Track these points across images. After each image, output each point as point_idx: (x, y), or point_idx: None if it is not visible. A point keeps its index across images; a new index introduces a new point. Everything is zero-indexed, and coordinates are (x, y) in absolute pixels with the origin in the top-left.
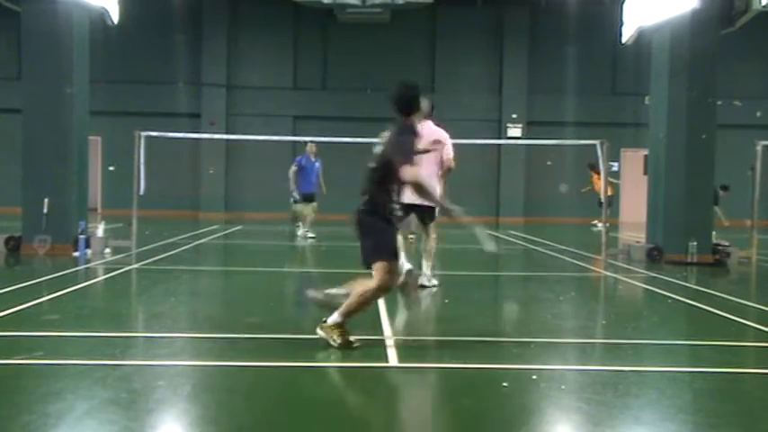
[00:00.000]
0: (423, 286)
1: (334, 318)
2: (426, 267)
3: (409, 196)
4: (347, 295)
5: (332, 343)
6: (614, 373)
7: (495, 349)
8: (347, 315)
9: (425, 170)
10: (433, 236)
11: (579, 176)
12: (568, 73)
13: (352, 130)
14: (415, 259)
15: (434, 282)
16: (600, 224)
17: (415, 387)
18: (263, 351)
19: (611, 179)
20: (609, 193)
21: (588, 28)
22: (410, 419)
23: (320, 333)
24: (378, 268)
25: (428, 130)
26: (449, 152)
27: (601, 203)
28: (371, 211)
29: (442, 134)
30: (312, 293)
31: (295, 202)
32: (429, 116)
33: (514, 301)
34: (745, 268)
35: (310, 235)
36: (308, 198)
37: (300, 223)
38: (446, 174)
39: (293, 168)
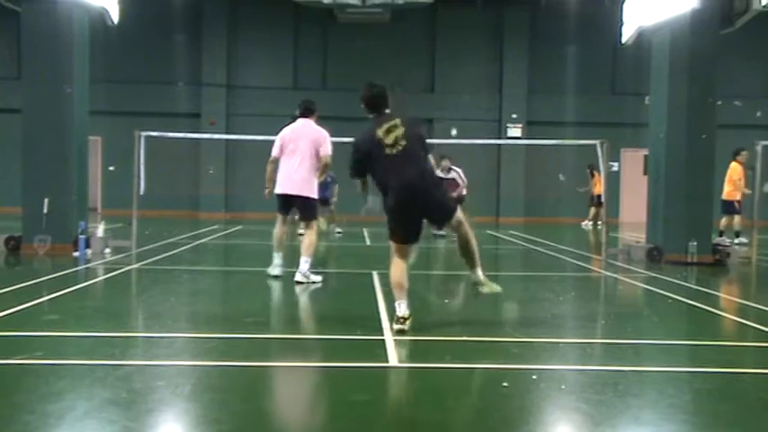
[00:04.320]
0: (298, 282)
1: (479, 272)
2: (303, 263)
3: (282, 186)
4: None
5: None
6: (614, 373)
7: (495, 349)
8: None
9: (304, 163)
10: (310, 231)
11: (580, 176)
12: (568, 73)
13: (352, 130)
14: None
15: (314, 278)
16: (589, 223)
17: (415, 387)
18: (263, 351)
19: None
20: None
21: (588, 28)
22: (410, 419)
23: (485, 290)
24: (459, 216)
25: (307, 129)
26: (327, 150)
27: (592, 203)
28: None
29: (320, 132)
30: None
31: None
32: (306, 115)
33: (514, 301)
34: (745, 268)
35: (338, 230)
36: (321, 201)
37: (332, 224)
38: (323, 169)
39: None
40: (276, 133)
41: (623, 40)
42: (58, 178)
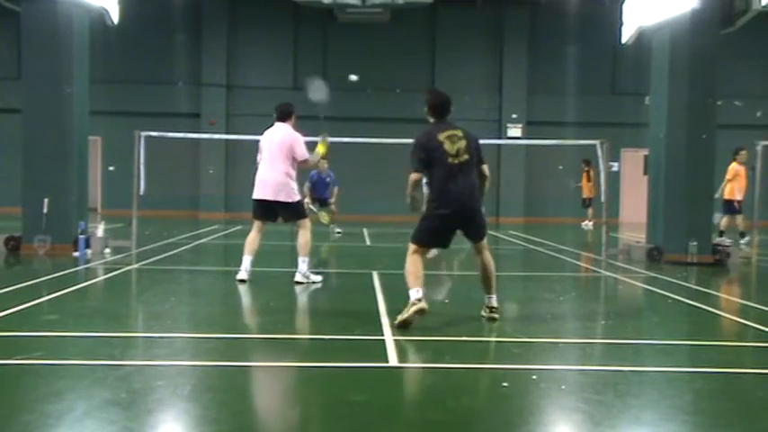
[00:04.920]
0: (297, 283)
1: (494, 299)
2: (301, 263)
3: (257, 191)
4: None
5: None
6: (614, 373)
7: (495, 349)
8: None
9: (279, 168)
10: (303, 230)
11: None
12: (568, 73)
13: (352, 130)
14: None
15: (314, 278)
16: (589, 223)
17: (415, 387)
18: (262, 351)
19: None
20: (592, 194)
21: (588, 28)
22: (410, 419)
23: (496, 316)
24: (486, 242)
25: (280, 134)
26: (302, 153)
27: (585, 204)
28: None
29: (291, 136)
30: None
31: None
32: (283, 119)
33: (514, 301)
34: (745, 268)
35: (337, 230)
36: (321, 202)
37: (332, 225)
38: (313, 166)
39: (306, 185)
40: None
41: (623, 40)
42: (58, 178)
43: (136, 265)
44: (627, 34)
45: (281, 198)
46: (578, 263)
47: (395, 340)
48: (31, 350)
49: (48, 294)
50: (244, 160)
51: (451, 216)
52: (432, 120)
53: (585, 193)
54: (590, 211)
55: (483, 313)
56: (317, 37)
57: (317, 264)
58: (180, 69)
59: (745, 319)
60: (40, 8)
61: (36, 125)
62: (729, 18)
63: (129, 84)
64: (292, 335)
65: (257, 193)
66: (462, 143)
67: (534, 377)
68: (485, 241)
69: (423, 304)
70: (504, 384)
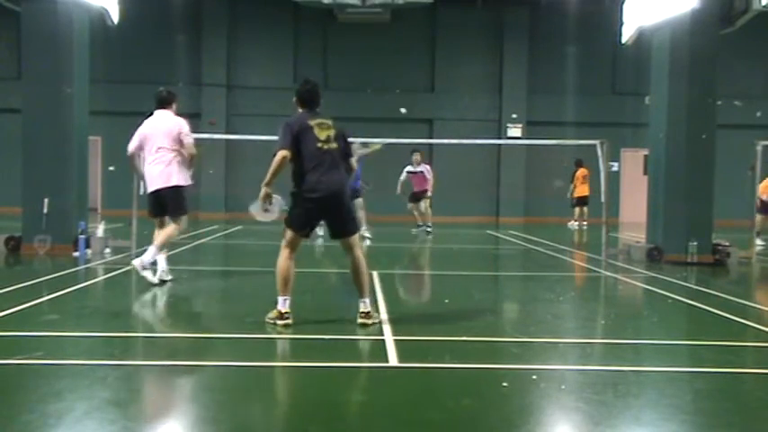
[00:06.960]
0: (163, 281)
1: (367, 303)
2: (148, 251)
3: (149, 185)
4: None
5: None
6: (614, 373)
7: (495, 349)
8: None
9: (164, 157)
10: (176, 227)
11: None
12: (568, 73)
13: (352, 129)
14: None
15: (146, 274)
16: (575, 223)
17: (415, 387)
18: (262, 351)
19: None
20: (584, 193)
21: (588, 28)
22: (410, 419)
23: (369, 321)
24: (356, 239)
25: (161, 122)
26: (188, 139)
27: (574, 203)
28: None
29: (177, 124)
30: None
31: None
32: (163, 106)
33: (514, 301)
34: (745, 268)
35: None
36: None
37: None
38: (191, 160)
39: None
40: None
41: (623, 40)
42: (58, 178)
43: None
44: (627, 34)
45: (171, 183)
46: (578, 263)
47: (395, 340)
48: (31, 350)
49: (48, 294)
50: (244, 160)
51: (319, 201)
52: (300, 110)
53: (577, 193)
54: (577, 210)
55: (358, 320)
56: (317, 37)
57: (316, 264)
58: (180, 69)
59: (744, 319)
60: (40, 8)
61: (36, 125)
62: (729, 18)
63: (129, 84)
64: (292, 335)
65: (151, 187)
66: (331, 132)
67: (534, 377)
68: (354, 239)
69: (289, 320)
70: (504, 384)
